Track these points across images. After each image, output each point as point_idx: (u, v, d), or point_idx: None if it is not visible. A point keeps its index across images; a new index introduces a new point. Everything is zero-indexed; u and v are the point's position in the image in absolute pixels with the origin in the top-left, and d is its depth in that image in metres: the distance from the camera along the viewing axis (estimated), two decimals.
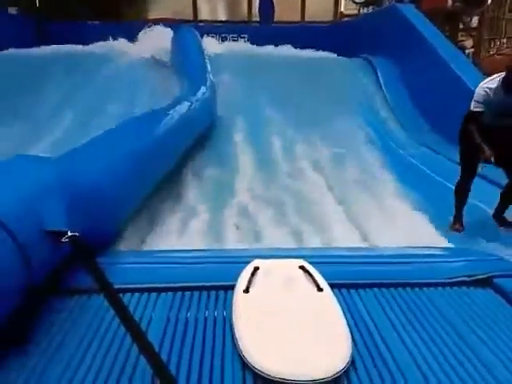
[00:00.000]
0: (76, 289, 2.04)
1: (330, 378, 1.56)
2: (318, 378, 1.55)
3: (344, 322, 1.84)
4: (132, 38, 9.12)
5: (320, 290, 2.05)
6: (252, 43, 9.85)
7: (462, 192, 3.53)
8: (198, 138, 5.10)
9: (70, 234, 1.79)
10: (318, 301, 1.99)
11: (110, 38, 8.96)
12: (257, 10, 12.10)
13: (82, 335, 1.77)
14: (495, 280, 2.24)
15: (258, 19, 12.08)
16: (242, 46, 9.88)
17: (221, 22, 12.24)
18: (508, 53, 7.76)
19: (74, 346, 1.70)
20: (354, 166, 4.86)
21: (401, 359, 1.71)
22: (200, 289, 2.16)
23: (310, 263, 2.25)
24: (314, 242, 2.96)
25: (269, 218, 3.44)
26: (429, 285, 2.21)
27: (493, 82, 3.24)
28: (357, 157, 5.14)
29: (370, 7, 18.90)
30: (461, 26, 10.19)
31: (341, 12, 12.15)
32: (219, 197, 3.94)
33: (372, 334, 1.87)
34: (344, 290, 2.18)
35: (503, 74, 3.18)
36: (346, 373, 1.60)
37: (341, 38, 9.19)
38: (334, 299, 2.00)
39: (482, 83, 3.30)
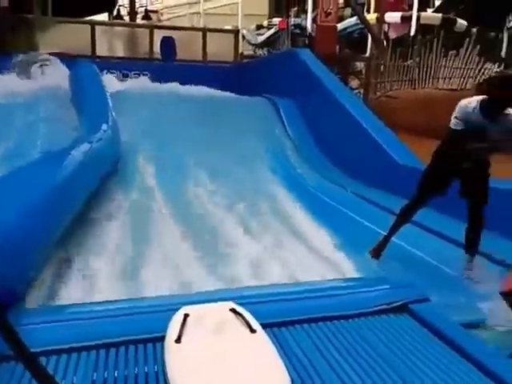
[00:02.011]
0: None
1: None
2: None
3: (281, 363, 1.83)
4: (23, 72, 8.58)
5: (253, 331, 2.03)
6: (154, 80, 9.79)
7: (403, 216, 3.41)
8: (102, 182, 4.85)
9: None
10: (252, 343, 1.96)
11: None
12: (158, 48, 12.14)
13: None
14: (410, 306, 2.41)
15: (159, 57, 12.10)
16: (145, 82, 9.75)
17: (121, 58, 12.04)
18: (392, 95, 8.71)
19: None
20: (268, 199, 5.02)
21: None
22: (126, 343, 2.02)
23: (240, 304, 2.23)
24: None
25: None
26: (354, 316, 2.30)
27: (472, 101, 2.96)
28: (267, 193, 5.32)
29: (265, 49, 20.06)
30: None
31: (241, 53, 12.67)
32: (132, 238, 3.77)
33: (309, 372, 1.89)
34: (276, 329, 2.19)
35: (481, 96, 2.94)
36: None
37: (242, 79, 9.56)
38: (268, 340, 1.99)
39: (462, 101, 3.04)
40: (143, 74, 11.12)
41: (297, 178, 6.07)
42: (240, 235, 3.96)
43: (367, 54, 13.22)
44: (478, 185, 3.15)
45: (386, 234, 3.56)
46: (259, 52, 19.75)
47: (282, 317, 2.27)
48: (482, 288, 2.75)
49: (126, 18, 20.20)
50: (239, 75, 9.87)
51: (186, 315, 2.10)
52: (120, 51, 13.37)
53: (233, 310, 2.18)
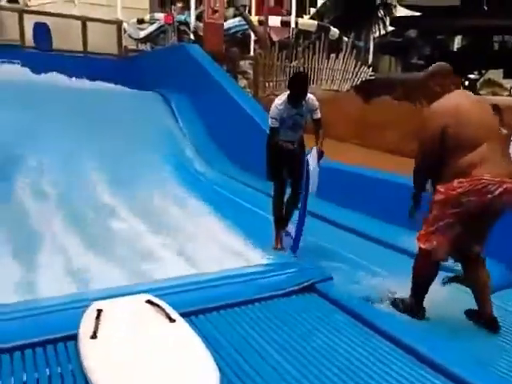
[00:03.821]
0: None
1: None
2: None
3: (204, 349, 1.83)
4: None
5: (172, 321, 1.99)
6: (32, 70, 8.86)
7: (278, 210, 3.72)
8: None
9: None
10: (173, 332, 1.93)
11: None
12: (31, 35, 11.06)
13: None
14: (316, 285, 2.57)
15: (32, 45, 11.03)
16: (16, 71, 8.76)
17: None
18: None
19: None
20: (165, 195, 4.90)
21: (265, 374, 1.80)
22: (33, 346, 1.84)
23: (155, 296, 2.17)
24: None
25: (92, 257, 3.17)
26: (268, 298, 2.39)
27: (280, 100, 3.61)
28: (164, 187, 5.20)
29: (148, 44, 19.50)
30: None
31: (125, 46, 12.12)
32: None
33: (232, 355, 1.91)
34: (194, 318, 2.17)
35: (287, 93, 3.61)
36: None
37: (130, 72, 9.17)
38: (189, 328, 1.97)
39: (273, 104, 3.64)
40: (11, 62, 10.00)
41: (194, 173, 6.05)
42: None
43: (251, 54, 13.64)
44: (298, 166, 3.64)
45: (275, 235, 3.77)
46: (142, 47, 19.13)
47: (199, 305, 2.26)
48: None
49: None
50: (127, 69, 9.45)
51: (100, 310, 1.99)
52: None
53: (149, 302, 2.12)
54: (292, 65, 9.95)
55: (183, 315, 2.08)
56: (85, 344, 1.78)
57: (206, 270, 3.06)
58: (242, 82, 11.62)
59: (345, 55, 9.61)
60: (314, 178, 3.47)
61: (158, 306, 2.07)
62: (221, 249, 3.56)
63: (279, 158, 3.70)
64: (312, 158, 3.49)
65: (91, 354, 1.73)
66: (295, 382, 1.77)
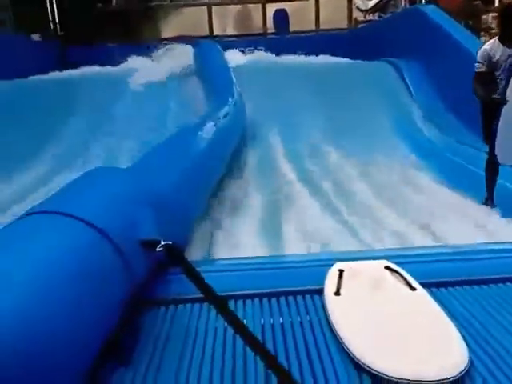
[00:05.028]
0: (163, 299, 2.00)
1: (456, 377, 1.49)
2: (443, 377, 1.48)
3: (449, 320, 1.77)
4: (152, 57, 9.24)
5: (413, 289, 1.98)
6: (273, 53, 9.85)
7: (489, 182, 3.60)
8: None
9: (163, 242, 1.76)
10: (414, 300, 1.92)
11: (132, 59, 9.05)
12: (271, 22, 12.20)
13: (183, 343, 1.73)
14: None
15: (272, 31, 12.16)
16: (265, 56, 9.85)
17: (236, 35, 12.34)
18: None
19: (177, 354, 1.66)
20: (397, 168, 4.84)
21: None
22: (286, 294, 2.11)
23: (394, 263, 2.19)
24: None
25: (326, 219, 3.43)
26: None
27: (490, 42, 3.55)
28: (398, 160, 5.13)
29: (377, 14, 18.97)
30: None
31: (355, 18, 12.18)
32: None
33: (479, 331, 1.80)
34: (434, 289, 2.11)
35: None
36: (467, 373, 1.53)
37: (360, 44, 9.20)
38: (431, 298, 1.93)
39: (481, 49, 3.61)
40: (258, 49, 11.23)
41: (428, 142, 5.75)
42: None
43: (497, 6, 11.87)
44: None
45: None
46: (369, 17, 18.76)
47: (439, 277, 2.18)
48: None
49: None
50: (356, 41, 9.52)
51: (341, 270, 2.13)
52: (231, 28, 13.67)
53: (388, 268, 2.16)
54: None
55: (423, 285, 2.05)
56: (330, 299, 1.94)
57: (449, 242, 2.92)
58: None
59: None
60: None
61: (397, 272, 2.09)
62: (460, 221, 3.33)
63: (493, 114, 3.45)
64: None
65: (336, 309, 1.87)
66: None
